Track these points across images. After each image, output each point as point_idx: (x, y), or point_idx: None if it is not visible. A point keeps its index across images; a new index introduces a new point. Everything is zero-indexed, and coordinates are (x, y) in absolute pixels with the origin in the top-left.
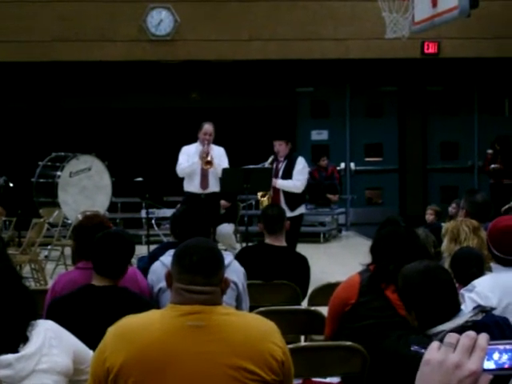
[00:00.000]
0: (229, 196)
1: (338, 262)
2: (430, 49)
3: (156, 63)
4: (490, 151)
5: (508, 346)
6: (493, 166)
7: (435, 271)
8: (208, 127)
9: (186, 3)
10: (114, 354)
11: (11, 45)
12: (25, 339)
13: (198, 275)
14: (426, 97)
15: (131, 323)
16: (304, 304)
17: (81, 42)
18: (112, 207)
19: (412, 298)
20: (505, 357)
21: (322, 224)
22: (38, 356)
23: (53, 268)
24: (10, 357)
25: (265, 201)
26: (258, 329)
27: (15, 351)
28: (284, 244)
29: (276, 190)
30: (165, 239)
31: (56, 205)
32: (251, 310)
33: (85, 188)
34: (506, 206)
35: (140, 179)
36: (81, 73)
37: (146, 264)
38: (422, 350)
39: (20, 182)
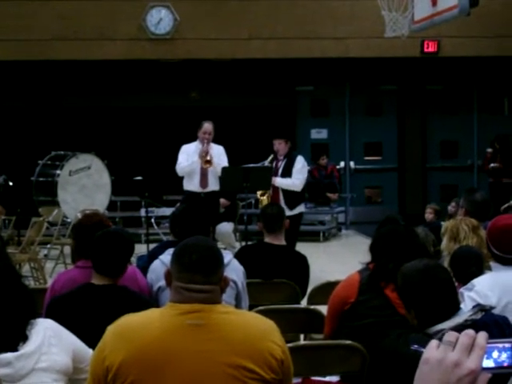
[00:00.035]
0: (228, 195)
1: (337, 260)
2: (430, 47)
3: (155, 62)
4: (489, 150)
5: (507, 345)
6: (492, 164)
7: (434, 270)
8: (208, 126)
9: (185, 2)
10: (114, 352)
11: (11, 43)
12: (24, 338)
13: (198, 274)
14: (426, 96)
15: (131, 322)
16: (303, 303)
17: (80, 40)
18: (111, 206)
19: (411, 296)
20: (504, 355)
21: (322, 223)
22: (38, 355)
23: (52, 267)
24: (9, 355)
25: (264, 200)
26: (257, 327)
27: (15, 350)
28: (283, 243)
29: (275, 189)
30: (164, 238)
31: (55, 203)
32: (251, 308)
33: (84, 187)
34: (506, 205)
35: (139, 178)
36: (80, 71)
37: (145, 263)
38: (422, 349)
39: (19, 181)
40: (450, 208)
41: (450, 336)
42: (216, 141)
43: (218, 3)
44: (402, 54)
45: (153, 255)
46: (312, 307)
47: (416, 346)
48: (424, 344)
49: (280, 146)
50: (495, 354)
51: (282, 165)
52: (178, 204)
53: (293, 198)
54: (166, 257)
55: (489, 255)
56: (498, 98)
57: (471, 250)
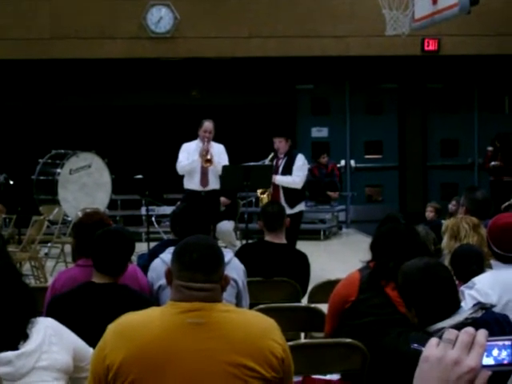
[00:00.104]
0: (229, 193)
1: (338, 259)
2: (430, 46)
3: (156, 60)
4: (490, 148)
5: (507, 342)
6: (493, 163)
7: (435, 268)
8: (208, 124)
9: (185, 0)
10: (114, 351)
11: (10, 42)
12: (25, 336)
13: (198, 272)
14: (426, 94)
15: (131, 320)
16: (304, 301)
17: (80, 39)
18: (112, 204)
19: (412, 295)
20: (504, 353)
21: (322, 221)
22: (38, 353)
23: (53, 265)
24: (10, 354)
25: (264, 198)
26: (257, 326)
27: (15, 348)
28: (284, 241)
29: (276, 187)
30: (165, 236)
31: (56, 202)
32: (251, 307)
33: (85, 185)
34: (506, 204)
35: (140, 176)
36: (81, 70)
37: (145, 261)
38: (422, 348)
39: (20, 180)
40: (451, 206)
41: (450, 334)
42: (216, 139)
43: (217, 2)
44: (402, 53)
45: (153, 254)
46: (312, 306)
47: (416, 345)
48: (424, 342)
49: (280, 144)
50: (495, 352)
51: (282, 163)
52: (179, 202)
53: (293, 196)
54: (167, 255)
55: (489, 253)
56: (498, 96)
57: (472, 249)
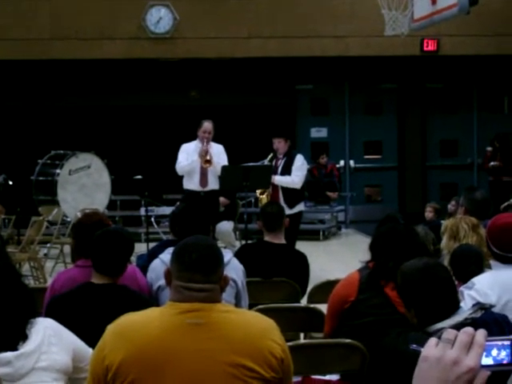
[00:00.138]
0: (228, 193)
1: (337, 259)
2: (430, 46)
3: (155, 61)
4: (489, 149)
5: (506, 342)
6: (492, 163)
7: (434, 268)
8: (207, 125)
9: (185, 1)
10: (113, 351)
11: (10, 42)
12: (24, 337)
13: (198, 273)
14: (426, 94)
15: (130, 321)
16: (303, 301)
17: (80, 39)
18: (111, 205)
19: (411, 295)
20: (503, 353)
21: (322, 221)
22: (38, 354)
23: (52, 266)
24: (9, 355)
25: (264, 198)
26: (257, 326)
27: (14, 349)
28: (283, 241)
29: (275, 188)
30: (164, 237)
31: (55, 203)
32: (250, 307)
33: (84, 186)
34: (506, 204)
35: (139, 177)
36: (80, 71)
37: (145, 262)
38: (421, 349)
39: (19, 180)
40: (450, 206)
41: (449, 334)
42: (216, 140)
43: (217, 2)
44: (401, 53)
45: (153, 254)
46: (312, 306)
47: (415, 345)
48: (423, 343)
49: (279, 144)
50: (494, 352)
51: (281, 163)
52: (178, 203)
53: (292, 196)
54: (166, 256)
55: (489, 254)
56: (497, 96)
57: (471, 249)
